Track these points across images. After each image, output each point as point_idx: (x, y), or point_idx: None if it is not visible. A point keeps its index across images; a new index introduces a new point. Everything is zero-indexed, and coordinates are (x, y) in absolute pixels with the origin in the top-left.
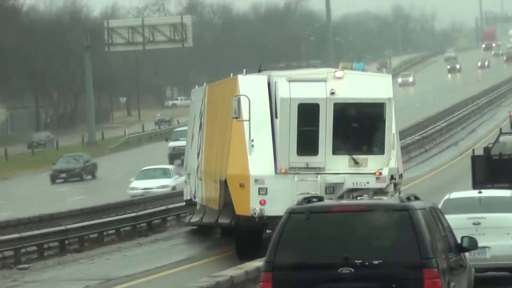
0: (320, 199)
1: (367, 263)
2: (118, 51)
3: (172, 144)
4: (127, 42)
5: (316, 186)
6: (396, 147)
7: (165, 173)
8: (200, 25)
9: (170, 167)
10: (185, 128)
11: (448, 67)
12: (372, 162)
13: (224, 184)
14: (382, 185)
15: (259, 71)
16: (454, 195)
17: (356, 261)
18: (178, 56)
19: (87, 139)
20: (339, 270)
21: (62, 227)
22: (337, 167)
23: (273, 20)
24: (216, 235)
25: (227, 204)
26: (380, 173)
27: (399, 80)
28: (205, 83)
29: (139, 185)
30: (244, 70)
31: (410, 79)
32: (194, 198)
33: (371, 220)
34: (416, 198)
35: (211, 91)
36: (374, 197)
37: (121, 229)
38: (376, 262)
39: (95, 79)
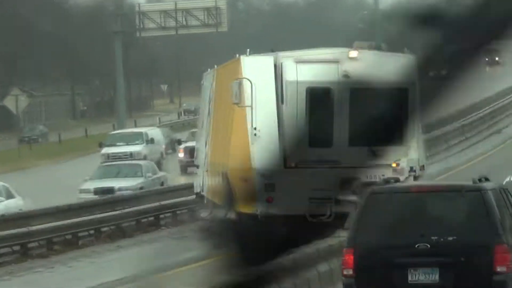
0: (397, 180)
1: (442, 239)
2: (150, 36)
3: (105, 150)
4: (159, 27)
5: (331, 181)
6: (417, 135)
7: (135, 171)
8: (249, 11)
9: (142, 162)
10: (124, 131)
11: (486, 59)
12: (390, 153)
13: (226, 178)
14: (399, 178)
15: (272, 52)
16: None
17: (432, 238)
18: (222, 42)
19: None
20: (416, 246)
21: (25, 229)
22: (353, 160)
23: (322, 6)
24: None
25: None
26: (398, 164)
27: None
28: (215, 66)
29: (92, 186)
30: (248, 50)
31: None
32: (202, 191)
33: (446, 200)
34: (487, 180)
35: (219, 74)
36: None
37: (102, 230)
38: (450, 238)
39: (136, 66)
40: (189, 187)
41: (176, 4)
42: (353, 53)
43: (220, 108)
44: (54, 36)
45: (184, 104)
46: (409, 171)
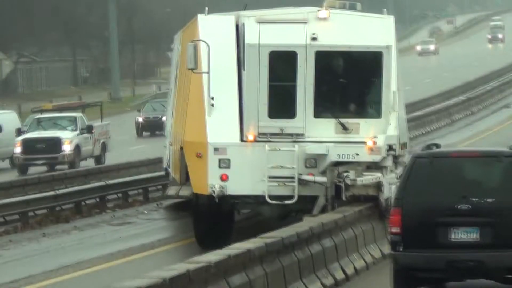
0: (438, 146)
1: (482, 201)
2: None
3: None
4: None
5: (293, 157)
6: (397, 108)
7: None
8: None
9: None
10: None
11: (489, 36)
12: (365, 128)
13: (182, 153)
14: (376, 157)
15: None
16: None
17: (472, 199)
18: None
19: (112, 95)
20: (457, 207)
21: None
22: (320, 134)
23: None
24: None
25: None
26: (375, 142)
27: (418, 48)
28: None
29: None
30: (206, 8)
31: (432, 47)
32: (168, 167)
33: (485, 165)
34: None
35: (184, 36)
36: (366, 173)
37: (29, 213)
38: (489, 200)
39: (141, 32)
40: None
41: None
42: (323, 13)
43: (182, 74)
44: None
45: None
46: (388, 150)
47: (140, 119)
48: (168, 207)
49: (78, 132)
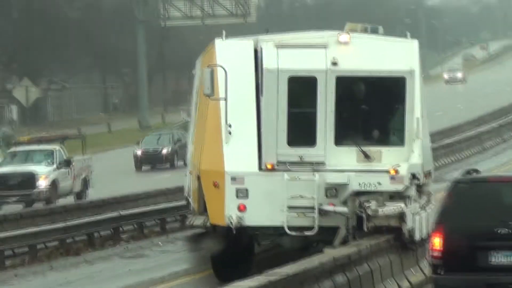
0: (477, 171)
1: None
2: (175, 25)
3: None
4: (185, 16)
5: (313, 187)
6: (421, 136)
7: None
8: (291, 2)
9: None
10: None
11: (446, 77)
12: (387, 156)
13: (199, 182)
14: (398, 187)
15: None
16: None
17: (511, 223)
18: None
19: (141, 123)
20: (496, 230)
21: None
22: (341, 162)
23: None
24: None
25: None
26: (397, 171)
27: (445, 76)
28: None
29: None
30: (224, 32)
31: (459, 75)
32: (189, 196)
33: None
34: None
35: (203, 61)
36: (388, 203)
37: (39, 246)
38: None
39: (173, 58)
40: None
41: None
42: (344, 37)
43: (201, 100)
44: (83, 25)
45: None
46: (411, 179)
47: (139, 152)
48: (187, 238)
49: (55, 166)
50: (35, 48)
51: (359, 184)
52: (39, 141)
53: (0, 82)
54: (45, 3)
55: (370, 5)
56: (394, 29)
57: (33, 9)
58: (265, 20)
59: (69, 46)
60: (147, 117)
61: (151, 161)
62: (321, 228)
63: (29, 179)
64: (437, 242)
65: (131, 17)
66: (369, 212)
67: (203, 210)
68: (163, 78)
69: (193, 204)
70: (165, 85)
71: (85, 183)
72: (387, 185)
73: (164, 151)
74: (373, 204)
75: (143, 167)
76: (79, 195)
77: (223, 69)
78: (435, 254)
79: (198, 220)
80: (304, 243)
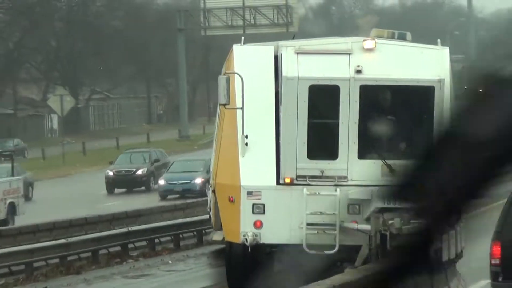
0: None
1: None
2: (215, 35)
3: None
4: (226, 26)
5: (334, 203)
6: None
7: None
8: (339, 15)
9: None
10: None
11: None
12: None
13: (215, 196)
14: None
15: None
16: None
17: None
18: None
19: (181, 133)
20: None
21: None
22: (364, 177)
23: (420, 12)
24: None
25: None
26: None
27: None
28: None
29: None
30: (243, 38)
31: None
32: (209, 209)
33: None
34: None
35: (225, 69)
36: (413, 221)
37: (37, 264)
38: None
39: (217, 68)
40: None
41: (244, 1)
42: (369, 44)
43: (220, 110)
44: (125, 34)
45: None
46: None
47: (110, 173)
48: (210, 253)
49: None
50: (77, 57)
51: (384, 200)
52: None
53: (42, 92)
54: (87, 13)
55: (420, 17)
56: (443, 41)
57: (75, 19)
58: (308, 30)
59: (111, 55)
60: (187, 127)
61: (123, 183)
62: (342, 247)
63: None
64: (496, 250)
65: (174, 26)
66: (393, 230)
67: (220, 226)
68: (207, 89)
69: (212, 219)
70: (209, 95)
71: (12, 209)
72: None
73: (139, 172)
74: (396, 222)
75: (116, 190)
76: (3, 222)
77: (240, 76)
78: (494, 261)
79: (218, 236)
80: (325, 262)
